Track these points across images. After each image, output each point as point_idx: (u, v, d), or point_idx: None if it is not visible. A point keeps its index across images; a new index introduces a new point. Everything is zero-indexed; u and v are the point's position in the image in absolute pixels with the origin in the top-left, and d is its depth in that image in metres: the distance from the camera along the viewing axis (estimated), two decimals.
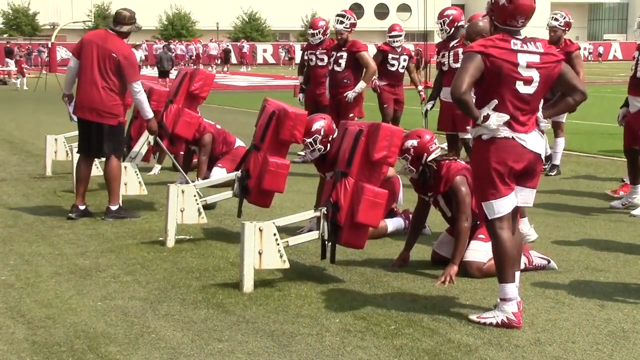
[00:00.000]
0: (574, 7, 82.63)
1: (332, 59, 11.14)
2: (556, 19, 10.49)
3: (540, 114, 5.24)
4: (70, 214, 8.37)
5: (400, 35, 12.57)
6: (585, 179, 11.03)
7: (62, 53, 55.34)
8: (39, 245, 7.29)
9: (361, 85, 10.91)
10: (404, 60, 12.48)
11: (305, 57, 12.69)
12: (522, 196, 5.23)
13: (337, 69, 11.03)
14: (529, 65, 5.05)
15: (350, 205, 5.97)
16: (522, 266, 6.28)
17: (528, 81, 5.06)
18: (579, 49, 10.64)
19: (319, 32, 11.96)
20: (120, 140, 8.51)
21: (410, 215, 7.58)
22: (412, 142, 6.44)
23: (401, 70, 12.51)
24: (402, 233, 7.55)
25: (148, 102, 8.35)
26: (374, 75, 11.31)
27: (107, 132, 8.21)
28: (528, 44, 5.10)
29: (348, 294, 5.84)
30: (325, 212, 6.08)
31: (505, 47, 5.04)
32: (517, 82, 5.04)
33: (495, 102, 5.04)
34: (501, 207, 5.14)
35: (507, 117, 5.04)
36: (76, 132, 11.27)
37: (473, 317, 5.25)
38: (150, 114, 8.35)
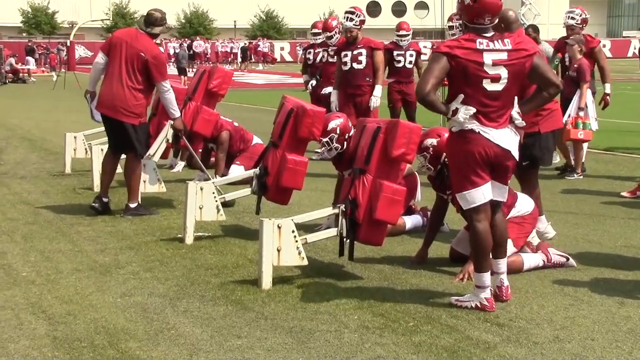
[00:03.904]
0: (592, 4, 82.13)
1: (347, 58, 10.74)
2: (572, 17, 10.45)
3: (516, 110, 5.32)
4: (93, 204, 8.45)
5: (408, 35, 12.56)
6: (604, 176, 10.97)
7: (80, 51, 55.64)
8: (59, 242, 7.35)
9: (379, 89, 10.68)
10: (410, 56, 12.47)
11: (309, 55, 12.77)
12: (495, 190, 5.39)
13: (357, 67, 10.64)
14: (495, 64, 5.20)
15: (369, 202, 5.97)
16: (541, 263, 6.31)
17: (495, 79, 5.21)
18: (600, 43, 10.61)
19: (336, 31, 11.97)
20: (147, 140, 8.56)
21: (429, 213, 7.58)
22: (431, 141, 6.44)
23: (408, 66, 12.48)
24: (420, 230, 7.54)
25: (176, 102, 8.40)
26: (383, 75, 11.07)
27: (133, 132, 8.22)
28: (495, 42, 5.25)
29: (366, 291, 5.85)
30: (344, 209, 6.08)
31: (471, 47, 5.20)
32: (484, 81, 5.20)
33: (462, 96, 5.21)
34: (474, 197, 5.32)
35: (473, 110, 5.20)
36: (95, 130, 11.44)
37: (452, 299, 5.53)
38: (177, 112, 8.42)
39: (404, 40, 12.47)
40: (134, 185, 8.41)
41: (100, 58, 8.38)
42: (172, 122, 8.54)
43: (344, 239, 6.15)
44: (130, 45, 8.17)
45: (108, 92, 8.23)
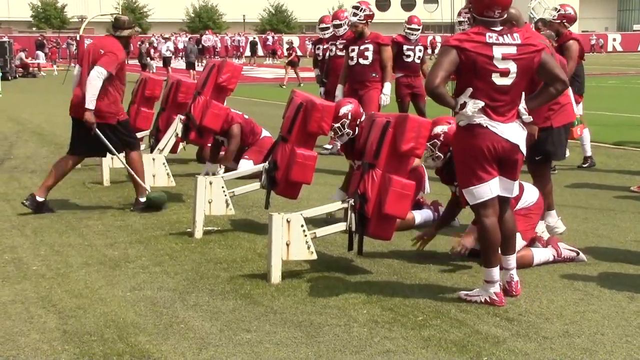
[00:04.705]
0: None
1: (354, 53, 10.65)
2: (550, 13, 10.38)
3: (523, 106, 5.31)
4: (24, 201, 8.34)
5: (419, 30, 12.51)
6: (615, 171, 10.93)
7: None
8: (69, 236, 7.37)
9: (388, 87, 10.59)
10: (420, 51, 12.43)
11: (318, 50, 12.68)
12: (502, 186, 5.37)
13: (363, 62, 10.58)
14: (504, 57, 5.18)
15: (378, 196, 5.97)
16: (551, 258, 6.30)
17: (504, 73, 5.19)
18: (575, 40, 10.43)
19: (345, 22, 11.87)
20: (130, 134, 8.58)
21: (440, 207, 7.59)
22: (442, 128, 6.45)
23: (417, 61, 12.46)
24: (430, 225, 7.54)
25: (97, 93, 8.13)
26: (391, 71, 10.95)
27: (111, 131, 8.26)
28: (505, 36, 5.23)
29: (375, 285, 5.85)
30: (353, 203, 6.08)
31: (480, 41, 5.18)
32: (493, 75, 5.18)
33: (470, 89, 5.19)
34: (481, 193, 5.30)
35: (482, 104, 5.18)
36: None
37: (461, 293, 5.52)
38: (92, 104, 8.12)
39: (414, 35, 12.43)
40: (138, 180, 8.41)
41: (76, 69, 8.56)
42: (87, 111, 8.16)
43: (353, 234, 6.16)
44: (94, 49, 8.32)
45: (80, 97, 8.24)
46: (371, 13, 10.70)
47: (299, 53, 33.84)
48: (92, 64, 8.15)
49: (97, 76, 8.10)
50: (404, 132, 5.92)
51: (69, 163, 8.58)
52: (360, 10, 10.52)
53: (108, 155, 9.92)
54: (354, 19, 10.57)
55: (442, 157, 6.49)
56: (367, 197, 5.99)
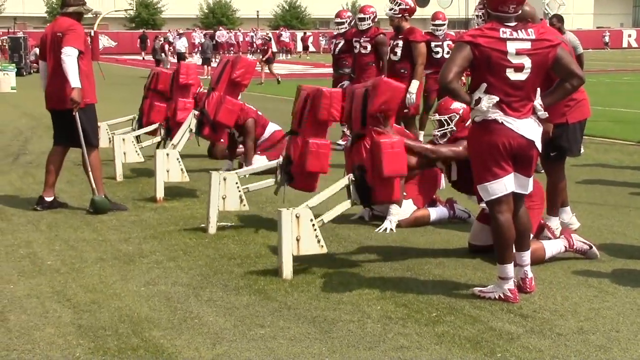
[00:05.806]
0: None
1: (389, 48, 10.62)
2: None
3: (538, 102, 5.29)
4: (35, 206, 8.30)
5: (444, 24, 12.47)
6: (629, 167, 10.88)
7: (104, 41, 55.91)
8: (84, 231, 7.40)
9: (415, 85, 10.27)
10: (448, 46, 12.39)
11: (331, 44, 12.60)
12: (517, 182, 5.35)
13: (393, 58, 10.49)
14: (518, 53, 5.17)
15: (373, 163, 6.02)
16: (562, 249, 6.26)
17: (519, 68, 5.19)
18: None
19: (369, 17, 11.63)
20: (95, 127, 8.47)
21: (455, 205, 7.56)
22: (461, 104, 6.47)
23: (447, 56, 12.39)
24: (445, 222, 7.52)
25: (77, 71, 7.91)
26: (422, 70, 10.57)
27: (80, 118, 8.02)
28: (519, 31, 5.23)
29: (389, 281, 5.84)
30: (353, 178, 6.12)
31: (494, 36, 5.18)
32: (507, 70, 5.17)
33: (485, 85, 5.20)
34: (495, 189, 5.29)
35: (496, 99, 5.18)
36: (118, 120, 11.53)
37: (475, 290, 5.50)
38: (75, 82, 7.90)
39: (440, 30, 12.40)
40: (97, 177, 8.27)
41: (41, 64, 8.47)
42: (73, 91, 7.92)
43: (364, 206, 6.19)
44: (51, 33, 8.23)
45: (52, 88, 8.21)
46: (408, 7, 10.49)
47: (274, 49, 33.48)
48: (59, 49, 7.96)
49: (68, 56, 7.87)
50: (376, 95, 6.06)
51: (58, 155, 8.52)
52: (396, 4, 10.41)
53: (120, 151, 9.99)
54: (389, 12, 10.48)
55: (456, 130, 6.55)
56: (364, 167, 6.04)
